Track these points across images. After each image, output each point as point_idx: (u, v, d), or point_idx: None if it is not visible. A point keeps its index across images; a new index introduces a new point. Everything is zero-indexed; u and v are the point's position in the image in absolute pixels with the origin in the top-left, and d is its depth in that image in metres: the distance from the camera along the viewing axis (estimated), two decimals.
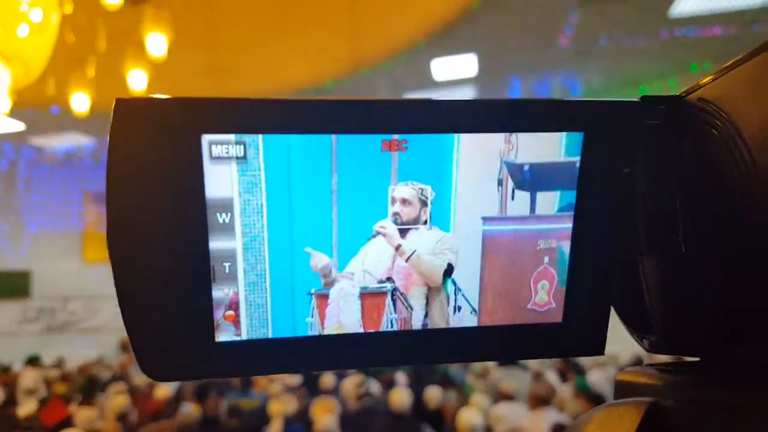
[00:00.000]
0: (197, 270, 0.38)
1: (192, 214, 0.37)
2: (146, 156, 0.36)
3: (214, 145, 0.37)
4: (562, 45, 5.73)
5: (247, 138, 0.37)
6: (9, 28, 3.00)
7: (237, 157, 0.37)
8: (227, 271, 0.38)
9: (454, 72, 6.41)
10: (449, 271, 0.41)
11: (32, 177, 8.97)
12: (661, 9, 5.15)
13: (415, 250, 0.41)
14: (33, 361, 5.97)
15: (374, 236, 0.40)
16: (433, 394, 4.06)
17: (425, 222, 0.40)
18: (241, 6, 5.01)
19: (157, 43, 4.11)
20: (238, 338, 0.39)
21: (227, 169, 0.37)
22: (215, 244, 0.38)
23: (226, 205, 0.38)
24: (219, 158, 0.37)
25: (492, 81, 6.82)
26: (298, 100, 0.38)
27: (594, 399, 3.42)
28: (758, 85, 0.35)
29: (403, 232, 0.40)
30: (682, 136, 0.41)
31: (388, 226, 0.40)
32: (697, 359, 0.42)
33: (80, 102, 4.79)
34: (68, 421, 3.91)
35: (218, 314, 0.39)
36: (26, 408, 4.20)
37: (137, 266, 0.37)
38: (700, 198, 0.40)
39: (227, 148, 0.37)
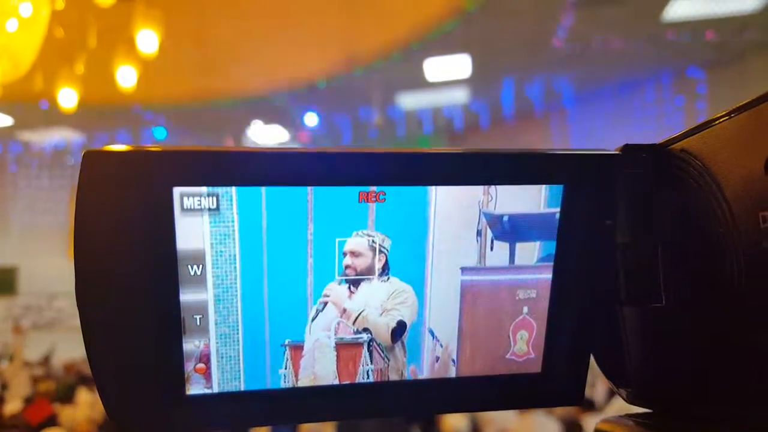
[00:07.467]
0: (167, 322, 0.37)
1: (162, 266, 0.36)
2: (115, 208, 0.35)
3: (186, 197, 0.36)
4: (556, 47, 5.74)
5: (220, 189, 0.36)
6: None
7: (209, 209, 0.36)
8: (198, 323, 0.37)
9: (448, 72, 6.40)
10: (400, 329, 0.40)
11: (19, 172, 8.87)
12: (654, 13, 5.17)
13: (361, 311, 0.39)
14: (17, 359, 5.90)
15: (325, 305, 0.39)
16: None
17: (383, 270, 0.39)
18: (232, 3, 4.97)
19: (147, 39, 4.07)
20: (209, 391, 0.38)
21: (199, 221, 0.36)
22: (186, 296, 0.37)
23: (198, 257, 0.37)
24: (190, 210, 0.36)
25: (485, 82, 6.81)
26: (273, 152, 0.37)
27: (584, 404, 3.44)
28: (741, 143, 0.35)
29: (355, 284, 0.39)
30: (664, 186, 0.40)
31: (333, 289, 0.39)
32: (674, 412, 0.41)
33: (68, 97, 4.74)
34: (53, 420, 3.88)
35: (189, 367, 0.38)
36: (11, 406, 4.16)
37: (106, 318, 0.36)
38: (680, 251, 0.40)
39: (199, 200, 0.36)
